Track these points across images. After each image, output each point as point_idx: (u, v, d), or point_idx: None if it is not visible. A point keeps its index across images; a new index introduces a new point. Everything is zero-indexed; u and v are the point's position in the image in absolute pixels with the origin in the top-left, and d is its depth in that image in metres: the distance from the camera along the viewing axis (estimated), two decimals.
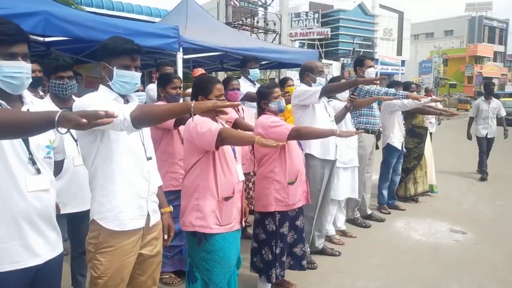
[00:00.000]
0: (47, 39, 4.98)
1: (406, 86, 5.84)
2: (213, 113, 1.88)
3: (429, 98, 5.13)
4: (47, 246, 1.78)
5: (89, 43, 5.32)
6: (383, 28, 43.92)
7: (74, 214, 2.94)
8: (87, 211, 2.89)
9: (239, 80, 5.01)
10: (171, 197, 3.25)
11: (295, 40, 30.72)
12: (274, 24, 22.69)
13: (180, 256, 3.53)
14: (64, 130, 1.41)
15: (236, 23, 20.06)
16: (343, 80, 4.32)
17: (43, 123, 1.40)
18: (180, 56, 5.08)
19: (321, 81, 3.90)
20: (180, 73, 5.24)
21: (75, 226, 3.13)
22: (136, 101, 2.23)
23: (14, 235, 1.66)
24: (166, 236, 2.41)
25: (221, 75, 13.94)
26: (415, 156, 6.16)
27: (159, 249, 2.32)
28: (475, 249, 4.50)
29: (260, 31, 22.08)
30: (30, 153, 1.71)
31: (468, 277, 3.79)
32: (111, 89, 2.10)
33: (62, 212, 2.68)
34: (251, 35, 20.45)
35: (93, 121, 1.36)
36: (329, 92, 3.78)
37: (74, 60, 6.33)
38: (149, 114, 1.86)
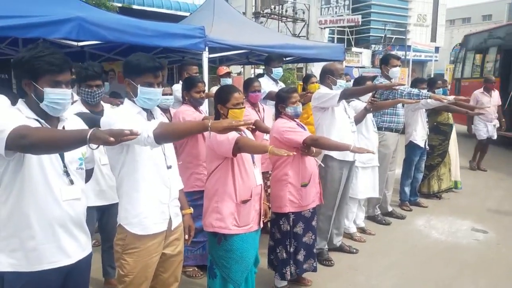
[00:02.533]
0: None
1: (433, 82, 5.80)
2: (228, 131, 2.03)
3: (452, 97, 5.09)
4: (78, 248, 1.99)
5: (118, 43, 5.56)
6: (416, 14, 42.76)
7: (103, 210, 3.20)
8: (112, 206, 3.14)
9: (262, 78, 5.16)
10: (196, 197, 3.46)
11: (324, 28, 30.32)
12: (303, 12, 22.53)
13: (202, 252, 3.74)
14: (95, 146, 1.60)
15: (264, 12, 20.04)
16: (368, 82, 4.39)
17: (77, 140, 1.61)
18: (206, 56, 5.24)
19: (342, 83, 3.98)
20: (205, 71, 5.41)
21: (103, 222, 3.40)
22: (159, 114, 2.41)
23: (50, 238, 1.87)
24: (187, 236, 2.61)
25: (248, 69, 14.07)
26: (439, 153, 6.13)
27: (180, 249, 2.52)
28: (495, 249, 4.50)
29: (288, 20, 21.98)
30: (64, 166, 1.92)
31: (485, 279, 3.83)
32: (134, 103, 2.29)
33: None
34: (279, 24, 20.39)
35: (119, 138, 1.54)
36: (348, 96, 3.87)
37: (106, 58, 6.63)
38: (170, 132, 2.05)
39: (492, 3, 51.71)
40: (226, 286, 2.85)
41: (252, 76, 16.73)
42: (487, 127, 7.93)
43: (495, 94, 8.23)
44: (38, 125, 1.85)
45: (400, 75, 5.29)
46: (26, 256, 1.83)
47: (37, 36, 4.22)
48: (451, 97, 5.07)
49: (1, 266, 1.83)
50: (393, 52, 29.62)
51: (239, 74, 14.64)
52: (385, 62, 5.07)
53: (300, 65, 21.74)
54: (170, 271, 2.49)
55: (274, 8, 21.15)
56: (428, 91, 5.08)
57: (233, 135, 2.60)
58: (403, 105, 5.21)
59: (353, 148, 3.16)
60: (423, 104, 5.32)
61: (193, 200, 3.43)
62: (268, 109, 4.51)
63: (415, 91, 4.66)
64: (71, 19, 3.99)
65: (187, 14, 10.40)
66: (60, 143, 1.64)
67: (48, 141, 1.63)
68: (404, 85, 4.67)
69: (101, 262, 3.46)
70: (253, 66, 13.35)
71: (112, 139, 1.51)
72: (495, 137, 8.12)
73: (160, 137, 2.00)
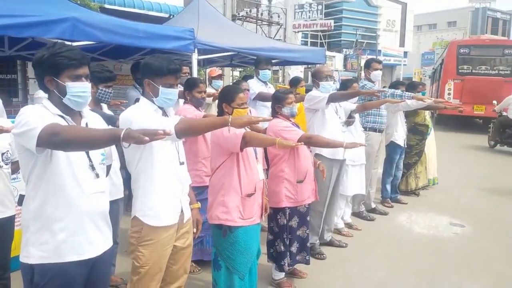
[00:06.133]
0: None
1: (413, 86, 6.07)
2: (247, 126, 2.15)
3: (432, 99, 5.39)
4: (102, 239, 2.05)
5: (106, 43, 5.55)
6: (386, 19, 43.79)
7: None
8: (113, 203, 3.19)
9: (251, 80, 5.31)
10: (194, 193, 3.55)
11: (298, 32, 30.77)
12: (278, 16, 22.83)
13: (201, 247, 3.83)
14: (127, 144, 1.67)
15: (240, 15, 20.23)
16: (354, 85, 4.59)
17: (110, 139, 1.68)
18: (195, 57, 5.32)
19: (325, 85, 4.15)
20: (195, 73, 5.49)
21: None
22: (172, 112, 2.51)
23: (79, 230, 1.93)
24: (195, 230, 2.70)
25: (227, 71, 14.21)
26: (417, 152, 6.44)
27: (190, 242, 2.62)
28: (473, 241, 4.79)
29: (264, 23, 22.24)
30: (90, 160, 1.98)
31: (466, 268, 4.09)
32: (152, 102, 2.38)
33: None
34: (256, 27, 20.61)
35: (153, 137, 1.62)
36: (335, 100, 4.08)
37: (90, 58, 6.61)
38: (192, 127, 2.16)
39: (456, 11, 53.82)
40: (231, 277, 2.96)
41: (231, 77, 16.91)
42: None
43: None
44: (63, 121, 1.91)
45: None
46: (56, 248, 1.88)
47: (31, 36, 4.21)
48: (431, 99, 5.39)
49: (32, 259, 1.87)
50: (364, 56, 30.38)
51: None
52: (367, 66, 5.35)
53: (276, 67, 22.03)
54: (180, 263, 2.58)
55: (250, 11, 21.37)
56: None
57: (240, 130, 2.72)
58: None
59: (346, 145, 3.33)
60: (404, 106, 5.59)
61: None
62: (254, 112, 4.63)
63: (398, 92, 4.91)
64: (65, 19, 3.97)
65: (166, 15, 10.43)
66: (92, 141, 1.71)
67: (81, 139, 1.69)
68: (384, 91, 4.93)
69: None
70: (232, 68, 13.48)
71: (146, 138, 1.58)
72: None
73: (182, 132, 2.10)
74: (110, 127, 2.74)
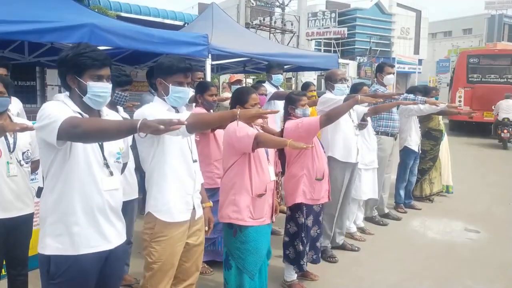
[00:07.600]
0: None
1: (427, 91, 6.06)
2: (255, 119, 2.21)
3: (445, 104, 5.37)
4: (116, 234, 2.10)
5: (122, 50, 5.68)
6: (400, 27, 43.59)
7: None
8: (129, 203, 3.25)
9: (264, 84, 5.37)
10: (207, 194, 3.60)
11: (311, 40, 30.86)
12: (292, 24, 22.96)
13: (213, 248, 3.87)
14: (143, 134, 1.72)
15: (254, 23, 20.41)
16: (365, 88, 4.61)
17: (127, 129, 1.74)
18: (209, 63, 5.41)
19: (339, 87, 4.17)
20: (208, 78, 5.58)
21: None
22: (185, 111, 2.57)
23: (91, 224, 1.98)
24: (207, 228, 2.75)
25: (239, 77, 14.32)
26: (431, 158, 6.39)
27: (202, 239, 2.67)
28: (488, 247, 4.73)
29: (277, 31, 22.39)
30: (104, 159, 2.04)
31: (481, 274, 4.04)
32: (165, 101, 2.45)
33: None
34: (269, 35, 20.76)
35: (169, 127, 1.66)
36: None
37: None
38: (202, 121, 2.22)
39: (472, 18, 53.18)
40: (241, 276, 2.99)
41: (244, 84, 16.99)
42: None
43: None
44: None
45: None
46: (70, 240, 1.94)
47: (50, 41, 4.33)
48: (444, 104, 5.37)
49: (49, 250, 1.94)
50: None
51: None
52: (380, 70, 5.33)
53: (289, 75, 22.11)
54: (192, 261, 2.62)
55: (264, 19, 21.55)
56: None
57: (252, 131, 2.78)
58: (397, 110, 5.45)
59: (361, 99, 3.43)
60: (416, 110, 5.57)
61: None
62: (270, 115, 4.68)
63: (411, 96, 4.92)
64: (84, 25, 4.09)
65: (181, 23, 10.60)
66: (110, 132, 1.77)
67: (99, 130, 1.76)
68: (402, 94, 4.92)
69: None
70: (245, 75, 13.58)
71: (162, 127, 1.63)
72: None
73: (192, 126, 2.16)
74: None
